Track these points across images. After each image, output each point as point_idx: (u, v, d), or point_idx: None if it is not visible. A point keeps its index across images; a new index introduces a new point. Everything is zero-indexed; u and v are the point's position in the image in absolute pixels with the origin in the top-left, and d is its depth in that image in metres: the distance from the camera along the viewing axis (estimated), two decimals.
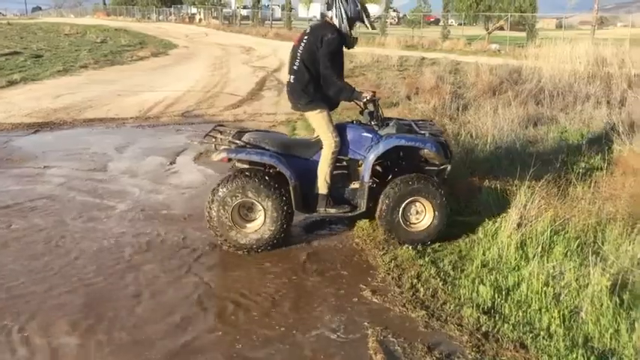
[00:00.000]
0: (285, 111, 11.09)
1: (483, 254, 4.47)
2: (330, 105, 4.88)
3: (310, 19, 45.14)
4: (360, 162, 4.87)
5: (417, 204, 4.81)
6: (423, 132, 4.98)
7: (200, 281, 4.14)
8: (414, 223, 4.82)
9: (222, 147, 4.78)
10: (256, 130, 5.50)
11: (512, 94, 10.60)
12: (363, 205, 4.81)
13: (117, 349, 3.30)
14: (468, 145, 7.31)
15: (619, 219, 4.63)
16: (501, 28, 34.46)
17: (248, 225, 4.71)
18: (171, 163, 7.28)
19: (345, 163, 4.94)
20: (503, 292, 3.86)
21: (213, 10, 57.47)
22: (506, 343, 3.33)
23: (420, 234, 4.76)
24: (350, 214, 4.88)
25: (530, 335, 3.39)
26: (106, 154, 7.64)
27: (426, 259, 4.45)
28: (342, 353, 3.29)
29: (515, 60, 17.70)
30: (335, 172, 4.86)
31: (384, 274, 4.25)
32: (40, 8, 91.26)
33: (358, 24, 4.88)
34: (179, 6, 64.42)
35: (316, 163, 4.79)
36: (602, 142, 7.89)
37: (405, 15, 53.00)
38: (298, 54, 4.72)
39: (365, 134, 4.89)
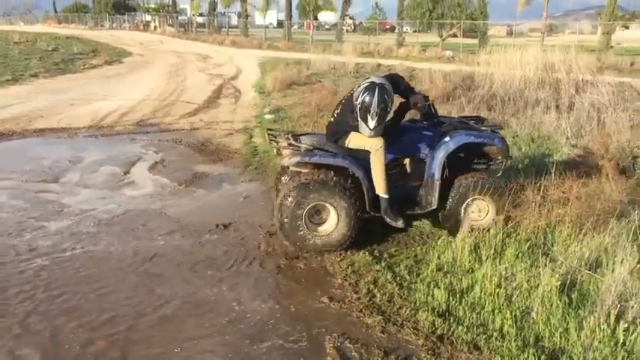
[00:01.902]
0: (242, 119, 11.09)
1: (438, 258, 4.54)
2: None
3: (267, 27, 45.21)
4: (422, 160, 4.97)
5: (480, 202, 4.92)
6: (484, 128, 5.11)
7: (164, 289, 4.08)
8: (476, 220, 4.91)
9: (291, 151, 4.79)
10: (308, 133, 5.42)
11: (466, 100, 10.83)
12: (433, 202, 4.85)
13: None
14: None
15: (567, 221, 4.77)
16: (455, 35, 35.18)
17: (320, 228, 4.75)
18: (125, 173, 7.16)
19: (404, 162, 5.04)
20: (458, 295, 3.92)
21: (168, 17, 56.88)
22: (460, 345, 3.38)
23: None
24: (419, 211, 4.93)
25: (484, 336, 3.46)
26: (57, 165, 7.45)
27: (383, 264, 4.49)
28: None
29: (468, 66, 18.05)
30: (393, 171, 4.94)
31: (342, 280, 4.27)
32: None
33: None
34: (133, 13, 63.53)
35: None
36: (551, 145, 8.14)
37: (361, 22, 53.54)
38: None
39: (425, 133, 4.99)
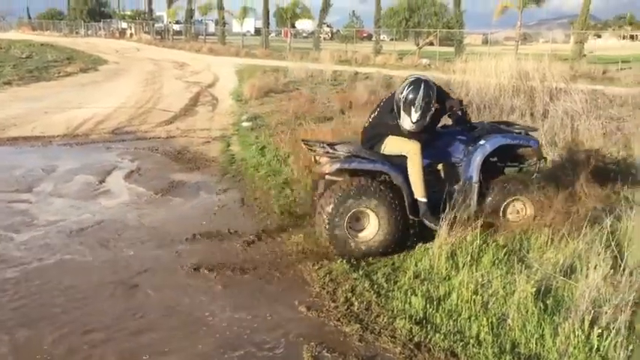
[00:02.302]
0: (220, 127, 11.04)
1: (416, 265, 4.54)
2: None
3: (244, 34, 45.17)
4: (457, 164, 5.05)
5: (518, 203, 4.99)
6: (519, 130, 5.17)
7: (138, 300, 4.03)
8: (514, 222, 4.96)
9: (329, 159, 4.86)
10: (342, 142, 5.39)
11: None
12: (472, 205, 4.88)
13: None
14: None
15: (543, 228, 4.82)
16: (431, 44, 35.54)
17: (361, 234, 4.82)
18: (100, 182, 7.06)
19: (438, 167, 5.13)
20: (435, 302, 3.93)
21: (144, 24, 56.48)
22: (437, 353, 3.39)
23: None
24: (457, 214, 4.85)
25: (461, 344, 3.47)
26: (30, 174, 7.33)
27: (360, 272, 4.48)
28: None
29: (444, 74, 18.21)
30: (429, 176, 4.98)
31: (319, 288, 4.25)
32: None
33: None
34: (109, 20, 62.94)
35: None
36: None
37: (338, 30, 53.77)
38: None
39: (460, 137, 5.06)
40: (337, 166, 4.79)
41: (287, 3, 41.38)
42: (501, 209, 4.95)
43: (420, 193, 4.83)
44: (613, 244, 4.17)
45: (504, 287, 3.97)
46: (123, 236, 5.29)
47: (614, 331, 3.32)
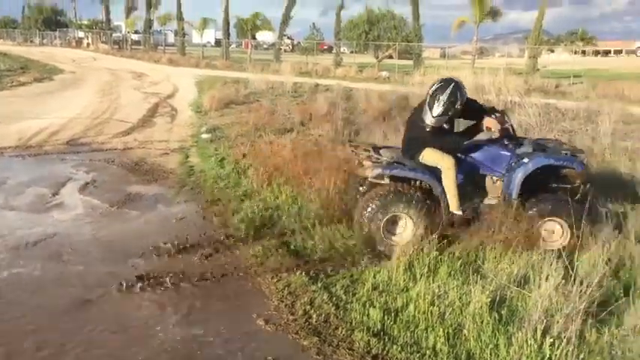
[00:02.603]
0: (178, 138, 10.91)
1: (374, 277, 4.56)
2: None
3: (204, 45, 44.91)
4: (496, 179, 5.15)
5: (554, 224, 5.04)
6: (565, 151, 5.24)
7: (91, 314, 3.92)
8: (549, 242, 5.02)
9: (372, 163, 5.14)
10: (387, 147, 5.73)
11: (401, 120, 11.03)
12: (511, 219, 4.90)
13: None
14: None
15: (498, 244, 4.90)
16: (390, 57, 35.92)
17: (395, 237, 5.07)
18: (53, 195, 6.88)
19: (479, 179, 5.23)
20: (393, 314, 3.96)
21: (101, 34, 55.53)
22: None
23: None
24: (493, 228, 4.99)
25: (417, 355, 3.50)
26: None
27: (319, 284, 4.47)
28: None
29: (403, 87, 18.48)
30: (468, 187, 5.13)
31: (278, 301, 4.23)
32: None
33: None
34: (65, 29, 61.68)
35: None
36: None
37: (299, 42, 53.95)
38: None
39: (503, 152, 5.17)
40: (379, 171, 5.07)
41: (248, 14, 41.32)
42: (536, 228, 5.00)
43: (454, 206, 5.03)
44: (564, 254, 4.27)
45: (460, 298, 4.02)
46: (76, 250, 5.16)
47: (565, 340, 3.40)
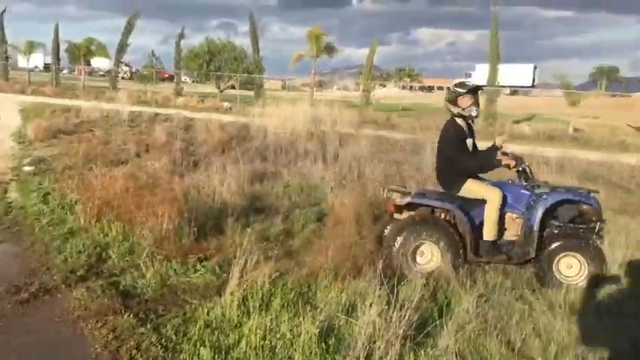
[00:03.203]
0: None
1: (207, 314, 4.45)
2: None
3: (31, 70, 41.85)
4: (516, 216, 5.44)
5: (572, 259, 5.30)
6: (581, 191, 5.60)
7: None
8: (566, 277, 5.31)
9: (401, 194, 5.59)
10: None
11: (240, 151, 11.11)
12: (531, 253, 5.31)
13: None
14: (197, 202, 7.34)
15: (329, 267, 5.07)
16: (232, 87, 36.19)
17: (424, 265, 5.36)
18: None
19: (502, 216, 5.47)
20: (224, 352, 3.88)
21: None
22: None
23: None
24: (515, 261, 5.43)
25: None
26: None
27: (149, 326, 4.25)
28: None
29: (244, 117, 18.65)
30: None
31: (101, 348, 3.94)
32: None
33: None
34: None
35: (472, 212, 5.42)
36: (318, 195, 8.68)
37: (137, 70, 52.22)
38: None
39: (523, 191, 5.50)
40: (407, 199, 5.46)
41: (80, 39, 39.33)
42: (554, 263, 5.29)
43: (491, 235, 5.36)
44: (385, 281, 4.52)
45: (291, 330, 4.06)
46: None
47: None
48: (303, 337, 3.89)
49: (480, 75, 34.15)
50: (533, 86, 58.05)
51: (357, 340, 3.74)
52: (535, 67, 46.47)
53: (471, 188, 5.55)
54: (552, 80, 45.35)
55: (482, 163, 5.64)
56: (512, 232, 5.56)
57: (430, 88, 59.60)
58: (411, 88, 57.05)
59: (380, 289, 4.31)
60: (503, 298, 4.88)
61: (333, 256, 5.30)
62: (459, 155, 5.55)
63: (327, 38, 34.22)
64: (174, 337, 4.12)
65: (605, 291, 5.13)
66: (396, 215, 5.69)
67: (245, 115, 20.97)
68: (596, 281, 5.18)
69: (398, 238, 5.35)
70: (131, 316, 4.38)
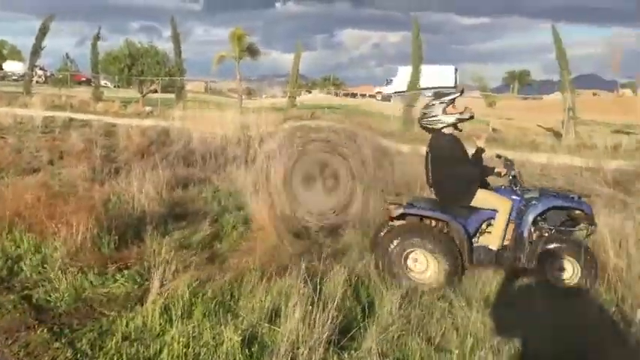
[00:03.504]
0: None
1: (127, 325, 4.27)
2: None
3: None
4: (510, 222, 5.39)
5: (566, 262, 5.28)
6: (572, 195, 5.57)
7: None
8: (559, 280, 5.31)
9: (395, 205, 5.52)
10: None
11: (160, 156, 10.81)
12: (523, 258, 5.33)
13: None
14: (118, 210, 7.08)
15: (253, 272, 5.00)
16: (155, 91, 35.24)
17: (415, 272, 5.31)
18: None
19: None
20: None
21: None
22: None
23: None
24: (507, 267, 5.39)
25: None
26: None
27: (63, 340, 4.03)
28: None
29: (164, 121, 18.23)
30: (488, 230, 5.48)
31: None
32: None
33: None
34: None
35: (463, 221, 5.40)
36: (245, 199, 8.55)
37: (52, 74, 49.80)
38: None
39: (514, 197, 5.46)
40: (401, 210, 5.43)
41: None
42: (546, 266, 5.29)
43: (497, 244, 5.36)
44: (309, 281, 4.50)
45: (214, 338, 3.97)
46: None
47: None
48: (226, 345, 3.82)
49: (402, 77, 34.74)
50: (455, 87, 59.92)
51: (281, 347, 3.69)
52: (456, 69, 48.05)
53: (483, 198, 5.52)
54: (471, 82, 46.80)
55: (482, 171, 5.70)
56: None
57: (353, 95, 60.32)
58: (336, 94, 57.85)
59: (304, 286, 4.29)
60: (424, 298, 4.97)
61: (260, 257, 5.26)
62: (470, 168, 5.54)
63: (250, 39, 34.03)
64: (89, 352, 3.92)
65: (518, 283, 5.35)
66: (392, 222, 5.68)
67: (165, 118, 20.43)
68: (589, 283, 5.22)
69: (390, 243, 5.34)
70: (45, 331, 4.15)
